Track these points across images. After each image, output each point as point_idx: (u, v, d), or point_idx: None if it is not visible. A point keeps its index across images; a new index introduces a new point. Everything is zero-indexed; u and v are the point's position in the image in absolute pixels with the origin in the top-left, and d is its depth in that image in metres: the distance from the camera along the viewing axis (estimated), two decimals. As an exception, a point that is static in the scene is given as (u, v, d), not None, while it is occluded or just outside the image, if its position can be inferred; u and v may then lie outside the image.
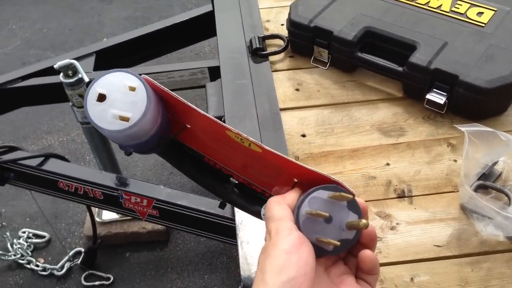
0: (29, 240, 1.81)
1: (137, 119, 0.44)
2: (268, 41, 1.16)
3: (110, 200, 1.15)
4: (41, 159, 1.14)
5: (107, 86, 0.44)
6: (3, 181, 1.19)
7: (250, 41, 1.12)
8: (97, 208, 1.70)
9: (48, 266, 1.73)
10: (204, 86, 1.32)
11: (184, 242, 1.82)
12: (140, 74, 0.46)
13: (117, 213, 1.67)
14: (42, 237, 1.83)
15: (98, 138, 1.38)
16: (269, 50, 1.13)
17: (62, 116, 2.28)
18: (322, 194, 0.45)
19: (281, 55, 1.13)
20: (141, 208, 1.11)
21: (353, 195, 0.45)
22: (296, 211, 0.45)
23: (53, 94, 1.32)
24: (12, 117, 1.99)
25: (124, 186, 1.12)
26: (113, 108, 0.44)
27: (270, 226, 0.44)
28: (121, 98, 0.44)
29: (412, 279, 0.71)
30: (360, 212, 0.45)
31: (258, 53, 1.11)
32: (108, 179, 1.15)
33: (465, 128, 0.79)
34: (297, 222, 0.45)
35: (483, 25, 1.00)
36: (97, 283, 1.70)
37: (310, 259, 0.42)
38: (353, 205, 0.45)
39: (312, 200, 0.45)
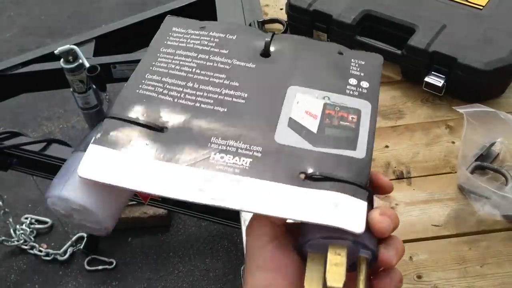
0: (32, 226, 1.82)
1: (103, 224, 0.40)
2: (267, 26, 1.16)
3: (112, 185, 1.16)
4: (43, 144, 1.15)
5: (60, 207, 0.40)
6: (6, 167, 1.20)
7: (250, 25, 1.13)
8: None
9: (51, 251, 1.75)
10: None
11: (185, 227, 1.84)
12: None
13: (119, 198, 1.68)
14: (44, 222, 1.85)
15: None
16: (269, 34, 1.13)
17: (62, 103, 2.28)
18: (321, 241, 0.36)
19: (281, 39, 1.13)
20: (143, 192, 1.12)
21: (356, 235, 0.35)
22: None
23: (54, 80, 1.33)
24: (12, 104, 1.99)
25: (126, 171, 1.13)
26: (83, 222, 0.41)
27: (246, 240, 0.37)
28: (79, 213, 0.40)
29: (411, 257, 0.73)
30: (372, 247, 0.35)
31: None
32: (110, 164, 1.16)
33: (463, 109, 0.80)
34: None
35: (481, 7, 1.01)
36: (100, 267, 1.73)
37: None
38: (360, 241, 0.35)
39: (311, 244, 0.36)
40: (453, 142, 0.89)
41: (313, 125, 0.39)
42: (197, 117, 0.39)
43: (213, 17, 1.21)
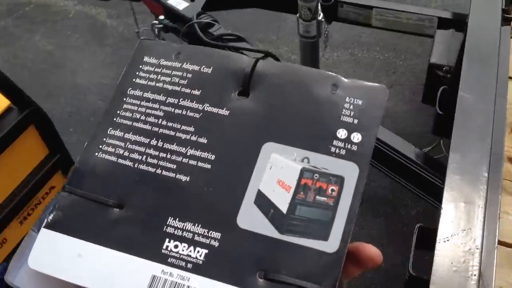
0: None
1: None
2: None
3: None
4: (260, 55, 1.24)
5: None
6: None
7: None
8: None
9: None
10: (428, 35, 1.29)
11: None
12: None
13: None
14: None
15: (312, 54, 1.45)
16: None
17: (277, 30, 2.40)
18: None
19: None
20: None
21: None
22: None
23: (285, 2, 1.42)
24: (237, 19, 2.17)
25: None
26: None
27: None
28: None
29: None
30: None
31: (503, 16, 1.04)
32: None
33: None
34: None
35: None
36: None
37: None
38: None
39: None
40: None
41: (283, 202, 0.35)
42: (157, 189, 0.37)
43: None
